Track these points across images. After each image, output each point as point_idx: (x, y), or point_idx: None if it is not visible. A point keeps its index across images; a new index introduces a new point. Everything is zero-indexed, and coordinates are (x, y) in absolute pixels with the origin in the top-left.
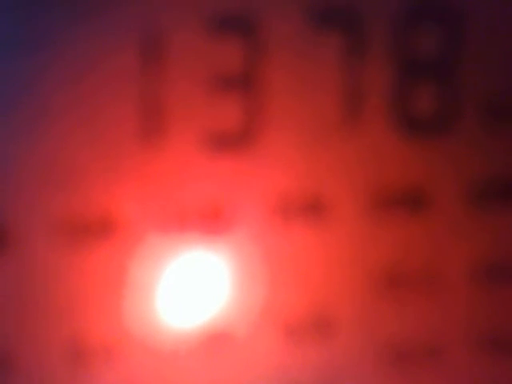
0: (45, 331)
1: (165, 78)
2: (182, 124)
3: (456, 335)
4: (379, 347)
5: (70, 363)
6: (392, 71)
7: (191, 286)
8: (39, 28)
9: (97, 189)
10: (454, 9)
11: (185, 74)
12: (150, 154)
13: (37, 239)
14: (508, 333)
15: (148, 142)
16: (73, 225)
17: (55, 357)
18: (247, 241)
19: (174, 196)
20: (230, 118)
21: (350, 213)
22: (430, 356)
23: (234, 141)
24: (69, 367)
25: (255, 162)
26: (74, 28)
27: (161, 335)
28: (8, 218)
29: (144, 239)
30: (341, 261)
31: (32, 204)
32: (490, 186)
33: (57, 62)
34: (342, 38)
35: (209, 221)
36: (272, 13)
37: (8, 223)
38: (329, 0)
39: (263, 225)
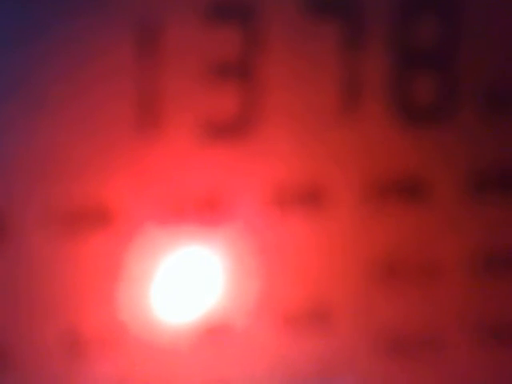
0: (40, 322)
1: (161, 68)
2: (178, 114)
3: (453, 325)
4: (377, 337)
5: (66, 354)
6: (390, 61)
7: (188, 277)
8: (35, 21)
9: (93, 179)
10: None
11: (181, 64)
12: (146, 145)
13: (33, 230)
14: (505, 322)
15: (144, 133)
16: (69, 216)
17: (51, 348)
18: (244, 231)
19: (171, 186)
20: (227, 108)
21: (347, 203)
22: (427, 346)
23: (230, 131)
24: (64, 358)
25: (252, 152)
26: (69, 19)
27: (157, 327)
28: (4, 208)
29: (140, 230)
30: (338, 251)
31: (28, 195)
32: (488, 176)
33: (53, 53)
34: (340, 27)
35: (205, 211)
36: (270, 2)
37: (4, 214)
38: None
39: (260, 215)
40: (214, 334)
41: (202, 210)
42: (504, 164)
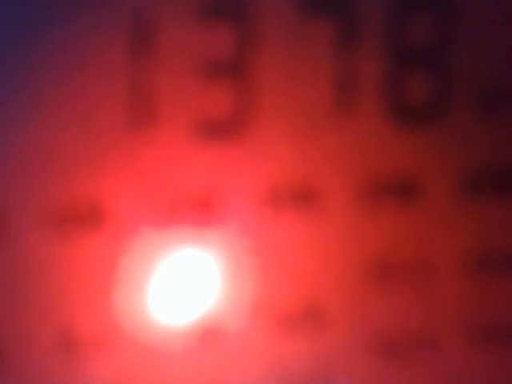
0: (35, 323)
1: (155, 67)
2: (172, 114)
3: (447, 325)
4: (371, 338)
5: (60, 355)
6: (384, 61)
7: (182, 277)
8: (29, 23)
9: (87, 179)
10: None
11: (175, 63)
12: (140, 144)
13: (27, 230)
14: (499, 323)
15: (138, 133)
16: (64, 216)
17: (45, 348)
18: (238, 231)
19: (165, 186)
20: (221, 108)
21: (341, 203)
22: (421, 346)
23: (224, 130)
24: (59, 359)
25: (246, 152)
26: (62, 19)
27: (151, 327)
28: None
29: (134, 230)
30: (332, 251)
31: (22, 195)
32: (482, 176)
33: (47, 54)
34: (334, 28)
35: (199, 211)
36: (264, 2)
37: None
38: None
39: (254, 215)
40: (208, 334)
41: (196, 211)
42: (498, 164)
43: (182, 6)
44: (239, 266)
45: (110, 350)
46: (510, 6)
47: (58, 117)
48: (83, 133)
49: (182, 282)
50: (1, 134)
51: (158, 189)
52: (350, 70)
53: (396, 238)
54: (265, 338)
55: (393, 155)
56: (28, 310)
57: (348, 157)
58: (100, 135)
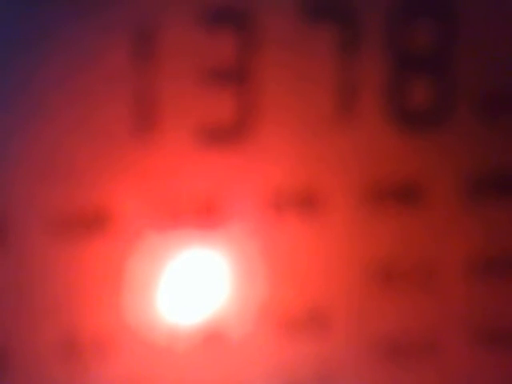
0: (40, 325)
1: (158, 73)
2: (175, 119)
3: (453, 329)
4: (376, 341)
5: (66, 358)
6: (386, 64)
7: (186, 280)
8: (33, 26)
9: (92, 184)
10: (448, 3)
11: (178, 69)
12: (144, 149)
13: (33, 234)
14: (505, 326)
15: (142, 137)
16: (69, 220)
17: (50, 351)
18: (242, 235)
19: (169, 190)
20: (224, 113)
21: (344, 207)
22: (426, 350)
23: (228, 135)
24: (64, 362)
25: (249, 156)
26: (67, 24)
27: (156, 330)
28: (4, 212)
29: (139, 234)
30: (336, 255)
31: (28, 199)
32: (486, 179)
33: (51, 59)
34: (336, 31)
35: (203, 215)
36: (266, 6)
37: (4, 218)
38: None
39: (258, 219)
40: (212, 338)
41: (200, 215)
42: (502, 166)
43: (184, 11)
44: (243, 269)
45: (115, 353)
46: (510, 8)
47: (61, 122)
48: (87, 138)
49: (187, 286)
50: (4, 139)
51: (162, 193)
52: (352, 76)
53: (401, 242)
54: (269, 342)
55: (396, 159)
56: (33, 313)
57: (351, 161)
58: (103, 140)
